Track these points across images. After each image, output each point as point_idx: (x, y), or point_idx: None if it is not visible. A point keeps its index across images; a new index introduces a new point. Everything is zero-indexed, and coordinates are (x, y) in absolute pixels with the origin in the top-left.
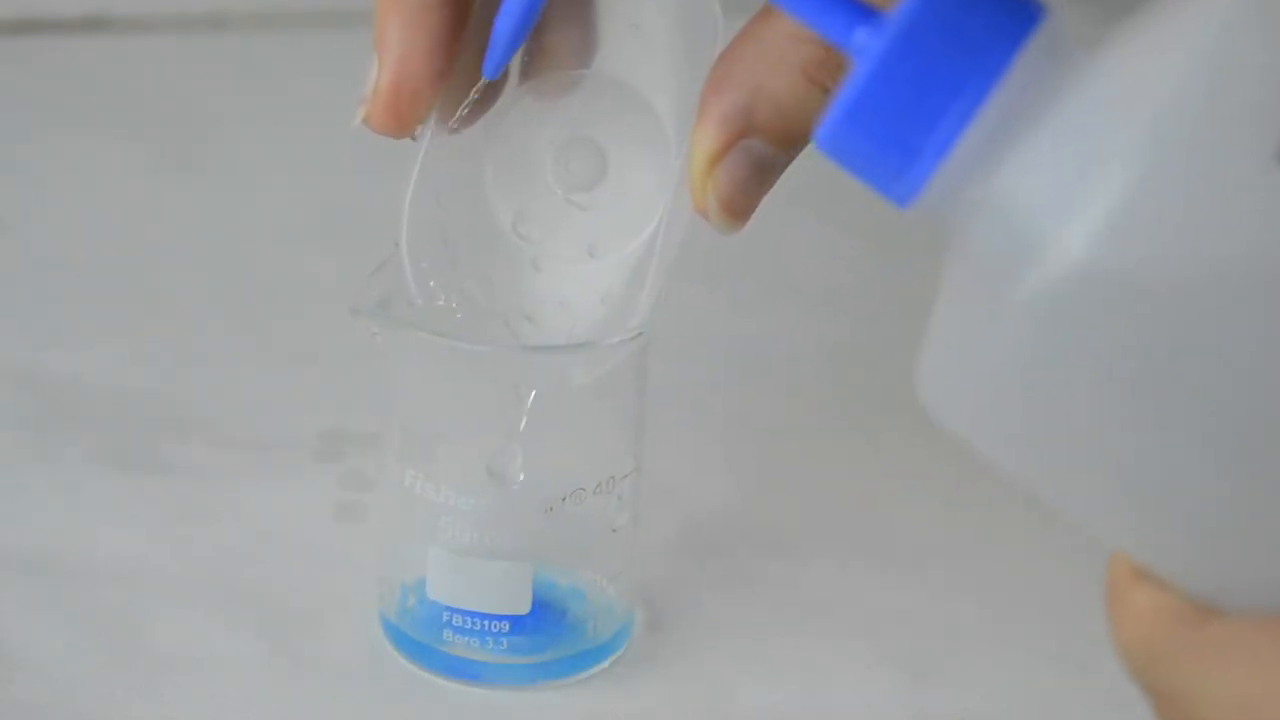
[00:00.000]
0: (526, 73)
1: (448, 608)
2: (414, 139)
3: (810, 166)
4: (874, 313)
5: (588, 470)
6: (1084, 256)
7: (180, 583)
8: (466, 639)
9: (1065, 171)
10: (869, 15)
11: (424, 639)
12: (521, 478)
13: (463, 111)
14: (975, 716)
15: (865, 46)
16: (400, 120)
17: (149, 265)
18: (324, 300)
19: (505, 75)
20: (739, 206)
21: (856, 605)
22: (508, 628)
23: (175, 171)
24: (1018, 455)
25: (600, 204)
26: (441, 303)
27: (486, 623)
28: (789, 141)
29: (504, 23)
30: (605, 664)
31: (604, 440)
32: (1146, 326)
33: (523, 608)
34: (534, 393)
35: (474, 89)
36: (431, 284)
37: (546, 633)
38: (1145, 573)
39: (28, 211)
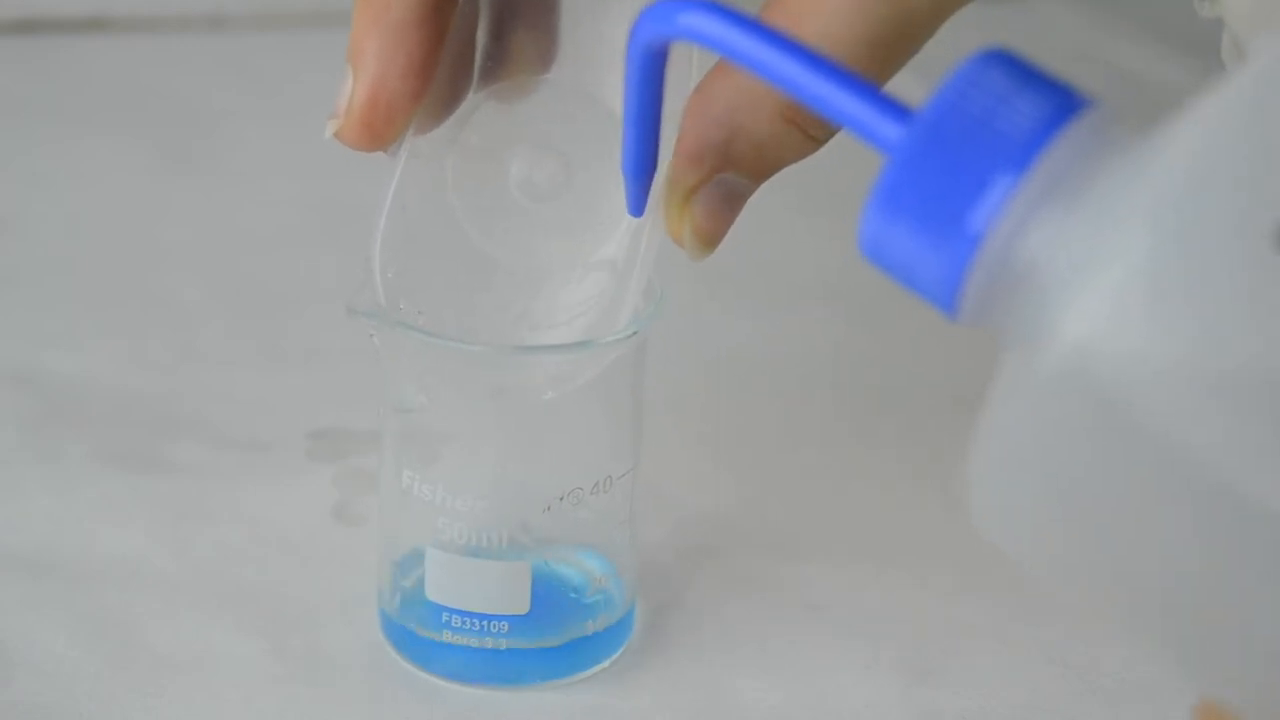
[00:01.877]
0: (486, 77)
1: (446, 608)
2: (389, 155)
3: (806, 168)
4: (872, 313)
5: (585, 470)
6: (1073, 348)
7: (180, 583)
8: (466, 639)
9: (1079, 254)
10: (900, 113)
11: (423, 639)
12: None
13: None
14: (975, 716)
15: (894, 145)
16: (374, 138)
17: (149, 265)
18: (324, 300)
19: (470, 79)
20: (713, 235)
21: (856, 605)
22: (507, 628)
23: (175, 171)
24: (1060, 566)
25: (563, 213)
26: (403, 306)
27: (485, 623)
28: (763, 175)
29: (629, 161)
30: (605, 664)
31: (601, 440)
32: (1146, 422)
33: (521, 608)
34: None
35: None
36: (399, 295)
37: (545, 633)
38: (1219, 708)
39: (28, 211)
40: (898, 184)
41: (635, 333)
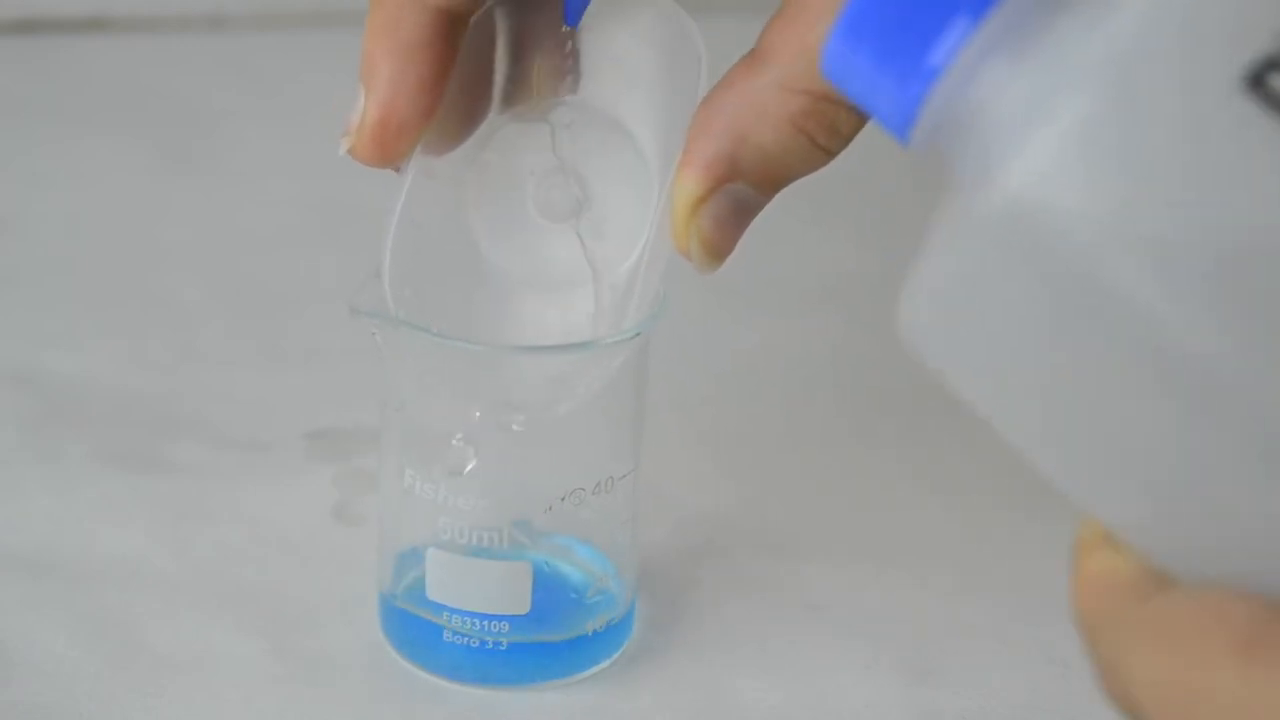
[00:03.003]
0: (508, 100)
1: (447, 608)
2: (398, 171)
3: (812, 176)
4: (872, 315)
5: (586, 470)
6: (1018, 191)
7: (180, 583)
8: (466, 639)
9: (1029, 101)
10: None
11: (423, 639)
12: (469, 468)
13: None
14: (975, 716)
15: None
16: (385, 155)
17: (149, 265)
18: (324, 300)
19: (489, 102)
20: (720, 248)
21: (856, 605)
22: (507, 628)
23: (175, 171)
24: (975, 391)
25: (581, 234)
26: (412, 318)
27: (486, 623)
28: (772, 186)
29: None
30: (605, 664)
31: (603, 440)
32: (1082, 265)
33: (522, 608)
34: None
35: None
36: (410, 309)
37: (546, 632)
38: (1108, 537)
39: (28, 211)
40: (862, 13)
41: (638, 334)
